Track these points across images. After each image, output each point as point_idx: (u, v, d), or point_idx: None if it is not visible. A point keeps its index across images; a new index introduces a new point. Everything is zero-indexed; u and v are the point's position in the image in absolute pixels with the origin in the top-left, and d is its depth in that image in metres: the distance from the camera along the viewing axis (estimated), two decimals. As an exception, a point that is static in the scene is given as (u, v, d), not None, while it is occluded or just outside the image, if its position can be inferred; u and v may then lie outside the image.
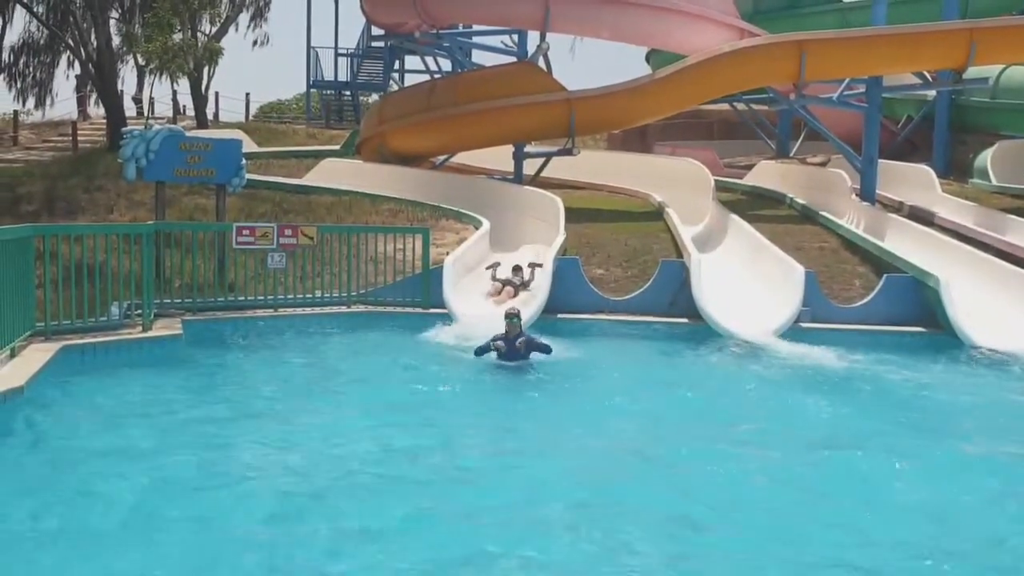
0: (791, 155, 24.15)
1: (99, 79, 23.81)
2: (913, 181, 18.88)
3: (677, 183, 19.30)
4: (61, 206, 16.92)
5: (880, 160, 18.48)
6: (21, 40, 30.18)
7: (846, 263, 14.37)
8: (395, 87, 30.83)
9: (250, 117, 35.03)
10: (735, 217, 15.77)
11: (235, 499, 5.71)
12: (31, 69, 30.59)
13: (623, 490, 5.99)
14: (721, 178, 20.54)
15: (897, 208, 17.77)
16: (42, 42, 30.09)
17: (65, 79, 44.20)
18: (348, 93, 33.84)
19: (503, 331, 9.65)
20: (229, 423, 7.50)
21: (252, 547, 4.91)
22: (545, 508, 5.59)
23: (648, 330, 11.82)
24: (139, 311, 10.37)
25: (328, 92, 34.35)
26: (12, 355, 8.37)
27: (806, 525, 5.44)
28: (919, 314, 12.09)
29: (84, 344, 9.32)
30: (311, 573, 4.65)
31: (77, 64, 26.74)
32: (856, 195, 17.69)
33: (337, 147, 24.61)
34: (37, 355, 8.55)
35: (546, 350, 9.60)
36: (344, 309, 12.34)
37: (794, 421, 7.96)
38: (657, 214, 17.61)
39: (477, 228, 14.82)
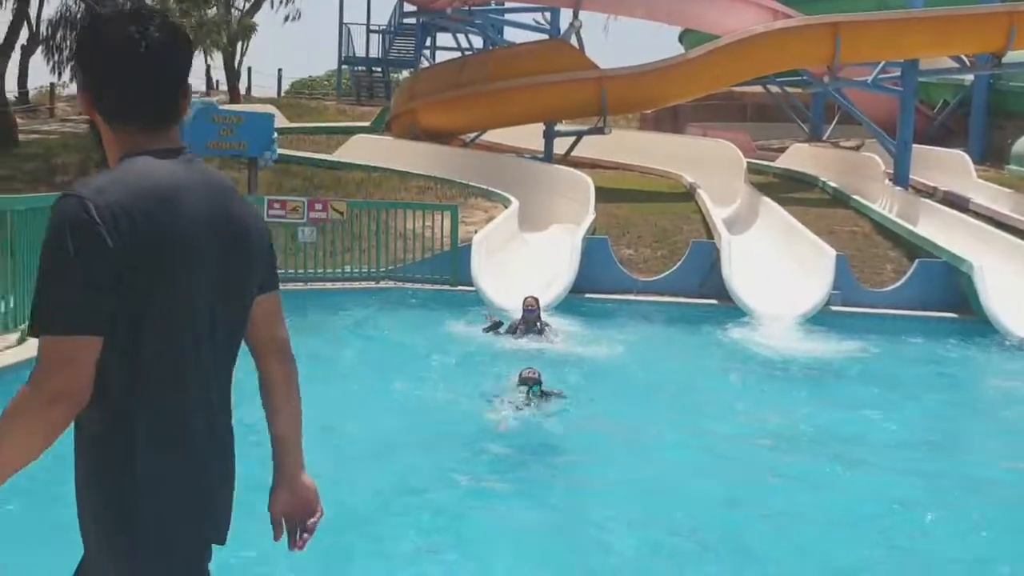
0: (824, 138, 23.90)
1: (134, 52, 23.95)
2: (948, 166, 18.64)
3: (709, 164, 19.18)
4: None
5: (915, 145, 18.24)
6: (59, 14, 30.40)
7: (878, 247, 14.25)
8: (426, 64, 30.80)
9: (282, 93, 35.17)
10: (767, 199, 15.67)
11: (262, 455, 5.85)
12: (68, 43, 30.82)
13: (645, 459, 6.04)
14: (753, 160, 20.38)
15: (931, 193, 17.56)
16: (79, 16, 30.32)
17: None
18: (379, 70, 33.85)
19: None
20: (249, 389, 7.64)
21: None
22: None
23: (677, 311, 11.79)
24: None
25: (359, 68, 34.38)
26: (48, 322, 8.50)
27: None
28: (951, 300, 11.97)
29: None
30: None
31: (112, 37, 26.93)
32: (889, 180, 17.50)
33: (367, 123, 24.66)
34: (73, 322, 8.68)
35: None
36: (373, 285, 12.41)
37: (818, 407, 7.94)
38: (688, 195, 17.53)
39: (506, 207, 14.84)
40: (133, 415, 1.85)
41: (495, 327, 9.86)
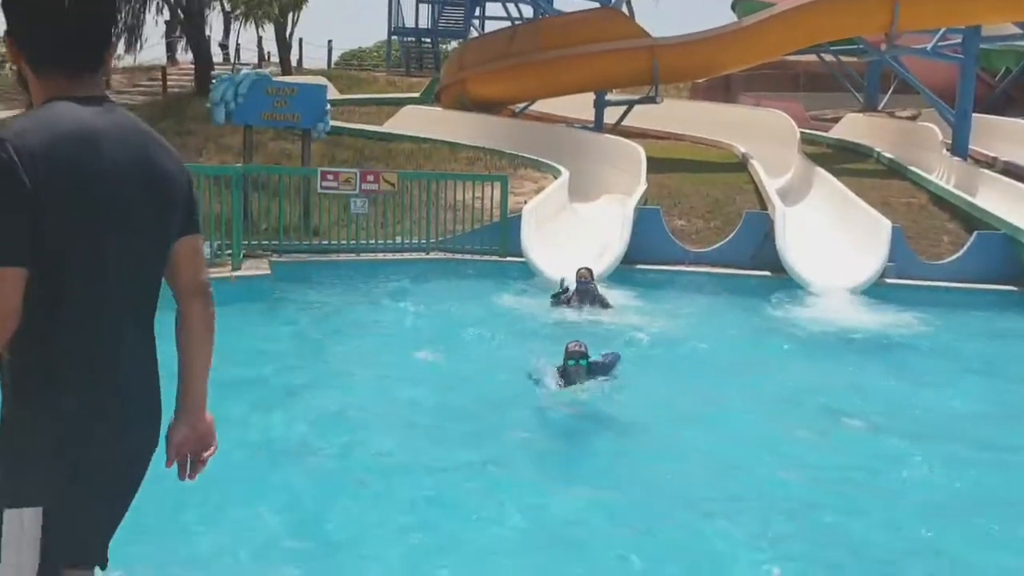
0: (879, 108, 23.40)
1: (188, 25, 24.26)
2: (1009, 136, 18.14)
3: (761, 134, 18.92)
4: (152, 149, 17.37)
5: (974, 114, 17.79)
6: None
7: (935, 219, 14.00)
8: (476, 34, 30.68)
9: (332, 64, 35.30)
10: (820, 170, 15.44)
11: (317, 419, 6.18)
12: (121, 15, 31.19)
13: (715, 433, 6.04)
14: (806, 130, 20.06)
15: (991, 164, 17.14)
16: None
17: (154, 24, 45.01)
18: (428, 40, 33.81)
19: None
20: (313, 354, 7.91)
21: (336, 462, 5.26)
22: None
23: (730, 283, 11.71)
24: (229, 251, 10.71)
25: (409, 39, 34.37)
26: (111, 290, 8.73)
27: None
28: (1011, 272, 11.74)
29: (177, 281, 9.66)
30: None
31: (166, 9, 27.20)
32: (947, 150, 17.11)
33: (417, 95, 24.70)
34: (135, 290, 8.91)
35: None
36: (423, 255, 12.51)
37: (875, 381, 7.86)
38: (741, 165, 17.34)
39: (556, 177, 14.81)
40: (50, 344, 1.96)
41: (561, 295, 9.80)
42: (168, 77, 25.86)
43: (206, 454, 2.30)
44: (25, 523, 1.97)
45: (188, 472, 2.29)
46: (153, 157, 2.08)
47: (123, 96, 25.05)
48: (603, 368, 6.83)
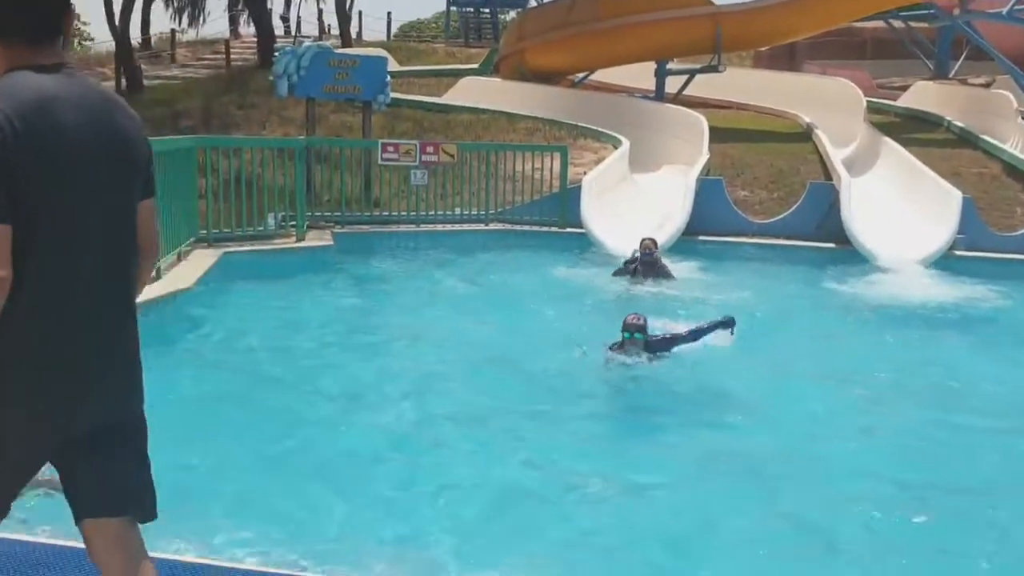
0: (950, 75, 22.71)
1: (250, -2, 24.51)
2: (1089, 103, 17.50)
3: (827, 104, 18.52)
4: (216, 122, 17.66)
5: (1052, 80, 17.19)
6: (177, -39, 31.24)
7: (1007, 189, 13.58)
8: (535, 3, 30.46)
9: (391, 36, 35.40)
10: (888, 140, 15.06)
11: (375, 376, 6.47)
12: (186, -11, 31.68)
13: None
14: (873, 99, 19.58)
15: (1069, 133, 16.55)
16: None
17: (216, -2, 45.55)
18: (487, 11, 33.70)
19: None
20: (374, 322, 8.16)
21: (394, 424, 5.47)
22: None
23: (794, 254, 11.52)
24: (293, 222, 10.86)
25: (467, 10, 34.30)
26: (179, 258, 8.94)
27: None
28: (1089, 245, 11.36)
29: (243, 251, 9.88)
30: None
31: (229, -18, 27.55)
32: (1023, 118, 16.56)
33: (476, 66, 24.67)
34: (202, 259, 9.13)
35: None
36: (482, 227, 12.53)
37: (945, 355, 7.69)
38: (805, 135, 17.01)
39: (616, 147, 14.69)
40: (28, 306, 2.02)
41: (626, 266, 9.74)
42: (231, 50, 26.17)
43: None
44: None
45: None
46: (114, 121, 2.15)
47: (187, 70, 25.46)
48: (663, 344, 6.66)
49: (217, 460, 4.79)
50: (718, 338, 6.70)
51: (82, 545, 2.31)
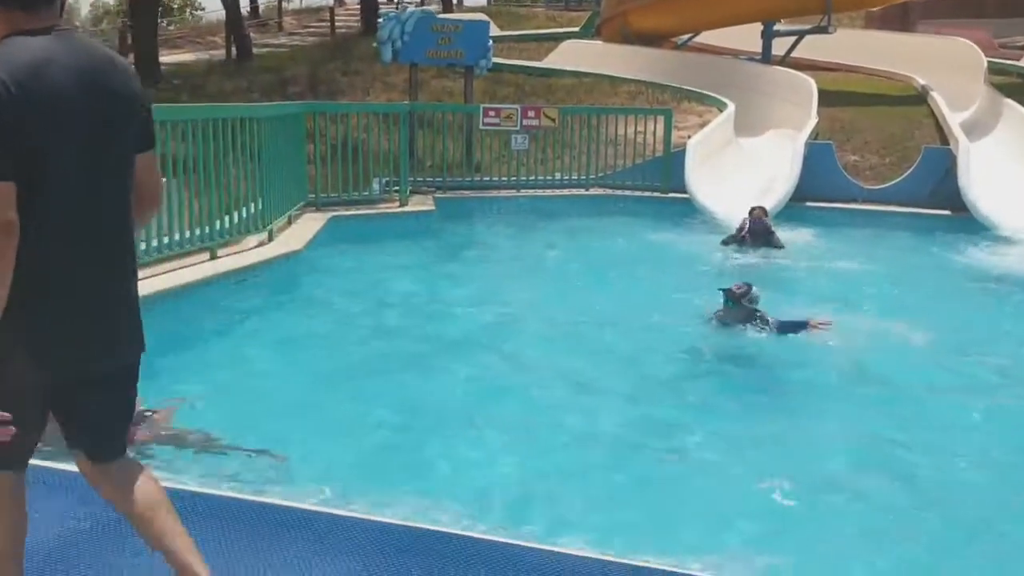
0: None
1: (353, -36, 24.75)
2: None
3: (943, 65, 17.69)
4: (323, 88, 17.99)
5: None
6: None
7: None
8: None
9: (491, 1, 35.33)
10: (1010, 102, 14.31)
11: (478, 339, 6.57)
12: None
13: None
14: (995, 59, 18.63)
15: None
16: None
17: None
18: (588, -27, 33.28)
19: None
20: (475, 286, 8.25)
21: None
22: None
23: (907, 221, 11.13)
24: (396, 187, 11.02)
25: (568, -27, 33.93)
26: (289, 222, 9.19)
27: None
28: None
29: (350, 215, 10.10)
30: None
31: (333, -50, 27.91)
32: None
33: (577, 29, 24.46)
34: (311, 223, 9.36)
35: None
36: (583, 191, 12.47)
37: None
38: (920, 98, 16.33)
39: (721, 110, 14.39)
40: (33, 257, 2.13)
41: (739, 233, 9.55)
42: (336, 18, 26.55)
43: None
44: None
45: None
46: (104, 79, 2.25)
47: (294, 38, 25.97)
48: (763, 321, 6.42)
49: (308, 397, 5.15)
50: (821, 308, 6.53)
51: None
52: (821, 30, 17.55)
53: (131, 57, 19.33)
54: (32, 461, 2.42)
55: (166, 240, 7.12)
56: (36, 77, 2.11)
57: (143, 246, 6.77)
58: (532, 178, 12.53)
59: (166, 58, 20.70)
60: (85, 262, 2.25)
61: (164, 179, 6.98)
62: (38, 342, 2.21)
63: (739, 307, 6.47)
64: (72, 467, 2.52)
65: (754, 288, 6.59)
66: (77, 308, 2.25)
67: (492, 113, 12.37)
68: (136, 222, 2.43)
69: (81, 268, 2.24)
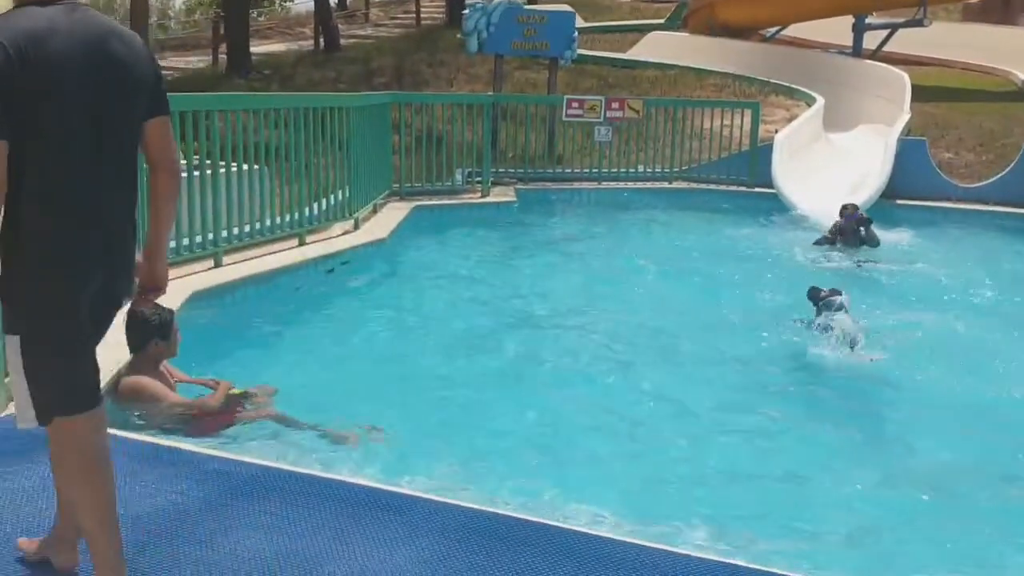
0: None
1: (439, -45, 24.91)
2: None
3: (1047, 59, 17.06)
4: (408, 79, 18.18)
5: None
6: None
7: None
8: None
9: (575, -8, 35.16)
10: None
11: (559, 330, 6.60)
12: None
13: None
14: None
15: None
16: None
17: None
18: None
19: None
20: (556, 279, 8.28)
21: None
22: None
23: (1005, 221, 10.75)
24: (479, 178, 11.09)
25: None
26: (374, 211, 9.33)
27: None
28: None
29: (433, 205, 10.21)
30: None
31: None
32: None
33: (662, 20, 24.20)
34: (395, 212, 9.50)
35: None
36: (666, 185, 12.35)
37: None
38: (1020, 94, 15.80)
39: (810, 105, 14.10)
40: (32, 194, 2.26)
41: (832, 233, 9.31)
42: (421, 9, 26.76)
43: (152, 294, 2.70)
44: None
45: (140, 301, 2.73)
46: (108, 48, 2.35)
47: (380, 29, 26.28)
48: (860, 328, 6.11)
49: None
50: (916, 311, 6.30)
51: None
52: (916, 23, 17.03)
53: (223, 47, 19.83)
54: (148, 438, 2.50)
55: (257, 226, 7.29)
56: (37, 44, 2.22)
57: (235, 231, 6.95)
58: (614, 170, 12.45)
59: (256, 48, 21.15)
60: (87, 211, 2.35)
61: (252, 167, 7.22)
62: (60, 256, 2.33)
63: (826, 310, 6.23)
64: (184, 444, 2.59)
65: (843, 295, 6.29)
66: (85, 250, 2.36)
67: (575, 104, 12.32)
68: (160, 199, 2.56)
69: (85, 216, 2.35)
